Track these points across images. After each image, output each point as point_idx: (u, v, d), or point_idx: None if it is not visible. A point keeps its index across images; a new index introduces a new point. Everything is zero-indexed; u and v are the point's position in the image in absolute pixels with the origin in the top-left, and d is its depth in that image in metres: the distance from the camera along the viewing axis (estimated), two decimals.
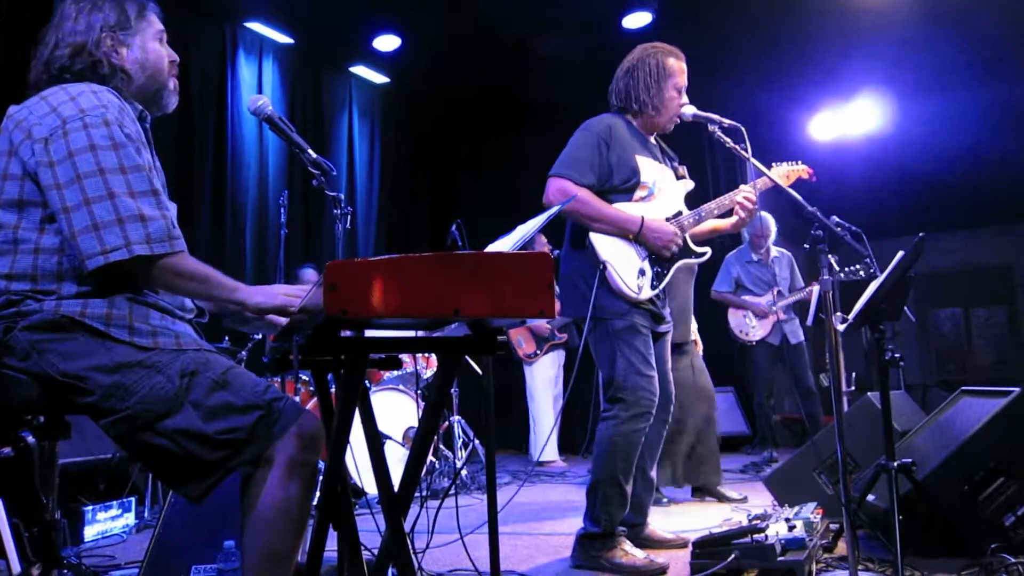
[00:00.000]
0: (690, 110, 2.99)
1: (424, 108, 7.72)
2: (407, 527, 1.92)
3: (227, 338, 4.50)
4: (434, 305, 1.45)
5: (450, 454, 5.00)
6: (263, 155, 6.03)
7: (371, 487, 4.05)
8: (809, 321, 5.11)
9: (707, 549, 2.52)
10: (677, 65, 3.00)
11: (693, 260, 3.02)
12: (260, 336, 4.57)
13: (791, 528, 2.53)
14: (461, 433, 5.15)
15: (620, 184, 2.91)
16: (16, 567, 2.19)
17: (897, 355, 2.46)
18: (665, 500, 4.06)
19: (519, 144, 7.61)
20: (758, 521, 2.60)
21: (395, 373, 4.76)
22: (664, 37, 3.28)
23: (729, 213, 3.05)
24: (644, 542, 2.98)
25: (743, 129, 2.83)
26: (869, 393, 3.44)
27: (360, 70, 6.95)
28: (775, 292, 5.57)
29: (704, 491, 4.16)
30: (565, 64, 6.51)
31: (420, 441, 1.90)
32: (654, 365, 2.86)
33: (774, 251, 5.64)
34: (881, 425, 2.48)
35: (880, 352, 2.46)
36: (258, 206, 5.92)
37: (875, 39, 6.13)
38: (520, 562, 2.92)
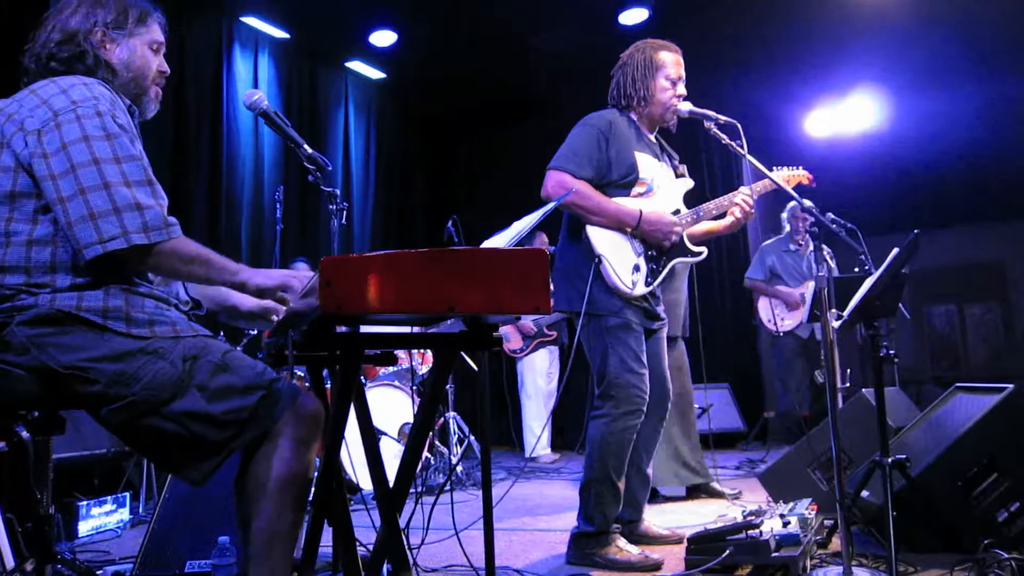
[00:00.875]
0: (686, 106, 2.98)
1: (420, 104, 7.71)
2: (402, 523, 1.92)
3: (222, 334, 4.49)
4: (429, 301, 1.45)
5: (445, 450, 5.00)
6: (259, 150, 6.01)
7: (366, 483, 4.06)
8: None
9: (702, 545, 2.52)
10: (669, 57, 3.00)
11: (689, 259, 3.02)
12: (255, 332, 4.56)
13: (786, 524, 2.54)
14: (456, 429, 5.15)
15: (618, 179, 2.91)
16: (10, 562, 2.18)
17: (892, 352, 2.47)
18: (660, 496, 4.07)
19: (515, 140, 7.61)
20: (753, 517, 2.61)
21: (390, 369, 4.76)
22: (661, 33, 3.28)
23: (726, 213, 3.05)
24: (639, 538, 2.99)
25: (739, 126, 2.83)
26: (863, 389, 3.45)
27: (356, 65, 6.93)
28: (808, 285, 5.52)
29: (699, 488, 4.16)
30: (562, 60, 6.50)
31: (415, 437, 1.90)
32: (646, 363, 2.86)
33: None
34: (875, 421, 2.48)
35: (875, 349, 2.47)
36: (254, 201, 5.91)
37: (871, 36, 6.13)
38: (515, 558, 2.92)
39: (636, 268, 2.87)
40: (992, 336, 9.49)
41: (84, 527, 3.50)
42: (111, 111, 1.64)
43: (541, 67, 6.74)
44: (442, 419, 5.11)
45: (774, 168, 3.22)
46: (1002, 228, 8.88)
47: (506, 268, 1.48)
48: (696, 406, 4.45)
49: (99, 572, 2.76)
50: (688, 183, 3.12)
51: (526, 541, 3.22)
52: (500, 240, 1.85)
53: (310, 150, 2.07)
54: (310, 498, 1.77)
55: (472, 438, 5.20)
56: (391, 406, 4.53)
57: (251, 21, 5.97)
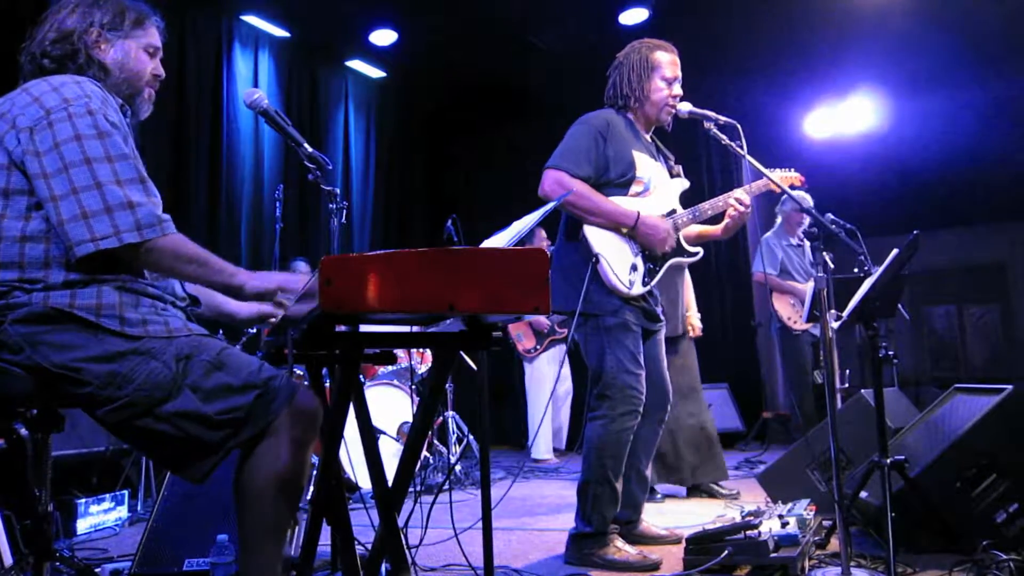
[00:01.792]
0: (686, 107, 2.98)
1: (420, 103, 7.71)
2: (401, 522, 1.92)
3: (221, 332, 4.49)
4: (429, 301, 1.45)
5: (444, 449, 5.00)
6: (259, 149, 6.01)
7: (365, 482, 4.06)
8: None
9: (700, 545, 2.52)
10: (665, 57, 3.00)
11: (685, 259, 3.02)
12: (255, 331, 4.56)
13: (784, 524, 2.54)
14: (455, 428, 5.15)
15: (616, 178, 2.90)
16: (8, 559, 2.19)
17: (891, 352, 2.47)
18: (659, 496, 4.07)
19: (516, 139, 7.60)
20: (751, 517, 2.61)
21: (390, 368, 4.76)
22: (660, 33, 3.28)
23: (722, 215, 3.05)
24: (638, 538, 2.98)
25: (739, 126, 2.83)
26: (863, 390, 3.45)
27: (356, 64, 6.93)
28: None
29: (698, 488, 4.17)
30: (562, 59, 6.50)
31: (414, 436, 1.90)
32: (643, 363, 2.86)
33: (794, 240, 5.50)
34: (874, 422, 2.48)
35: (874, 349, 2.47)
36: (253, 200, 5.91)
37: (870, 37, 6.13)
38: (514, 558, 2.92)
39: (634, 268, 2.87)
40: (991, 337, 9.50)
41: (83, 525, 3.49)
42: (103, 109, 1.65)
43: (541, 67, 6.74)
44: (441, 418, 5.11)
45: (768, 169, 3.22)
46: (1002, 229, 8.89)
47: (506, 268, 1.48)
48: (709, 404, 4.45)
49: (97, 570, 2.76)
50: (684, 183, 3.12)
51: (525, 541, 3.22)
52: (500, 240, 1.85)
53: (310, 149, 2.08)
54: (309, 497, 1.77)
55: (471, 437, 5.20)
56: (390, 405, 4.53)
57: (251, 20, 5.97)
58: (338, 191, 2.20)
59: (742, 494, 4.10)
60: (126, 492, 3.81)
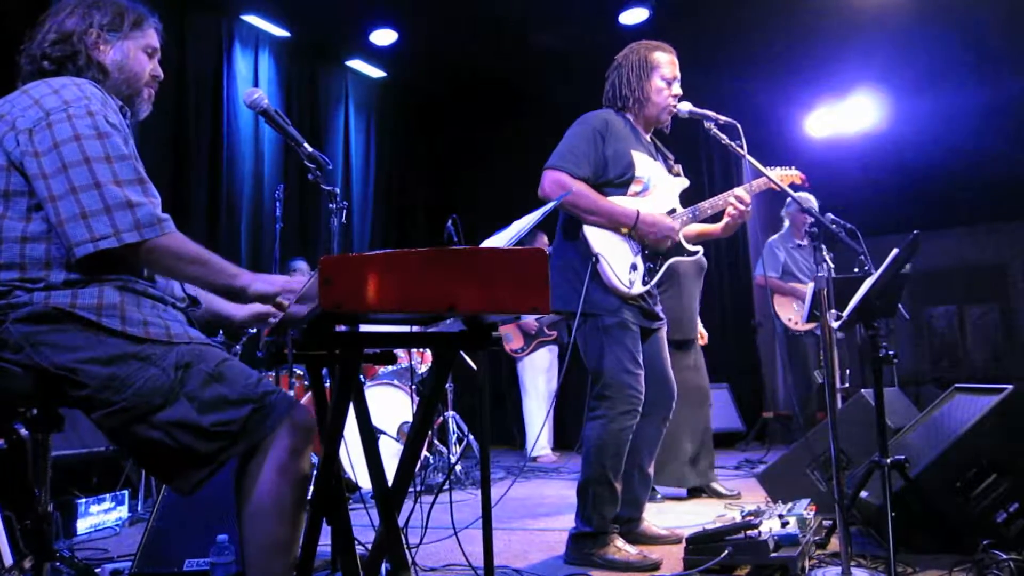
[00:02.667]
0: (686, 107, 2.98)
1: (421, 103, 7.71)
2: (401, 522, 1.92)
3: (221, 332, 4.49)
4: (429, 300, 1.45)
5: (444, 449, 5.00)
6: (259, 149, 6.01)
7: (365, 482, 4.06)
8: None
9: (701, 545, 2.52)
10: (664, 57, 3.00)
11: (685, 258, 3.02)
12: (255, 330, 4.56)
13: (784, 524, 2.54)
14: (455, 428, 5.15)
15: (615, 178, 2.90)
16: (8, 560, 2.19)
17: (891, 352, 2.47)
18: (659, 496, 4.07)
19: (515, 139, 7.59)
20: (752, 517, 2.61)
21: (390, 368, 4.76)
22: (660, 33, 3.28)
23: (722, 214, 3.05)
24: (638, 538, 2.99)
25: (739, 126, 2.83)
26: (863, 390, 3.45)
27: (357, 64, 6.93)
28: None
29: (699, 488, 4.17)
30: (562, 59, 6.50)
31: (414, 436, 1.90)
32: (641, 363, 2.86)
33: (806, 241, 5.49)
34: (874, 422, 2.48)
35: (874, 349, 2.47)
36: (253, 200, 5.91)
37: (871, 36, 6.13)
38: (514, 558, 2.92)
39: (633, 267, 2.87)
40: (991, 337, 9.50)
41: (83, 525, 3.50)
42: (103, 111, 1.64)
43: (541, 67, 6.74)
44: (441, 418, 5.12)
45: (768, 168, 3.22)
46: (1002, 229, 8.88)
47: (506, 268, 1.48)
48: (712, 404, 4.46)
49: (97, 570, 2.76)
50: (683, 182, 3.12)
51: (525, 541, 3.22)
52: (500, 239, 1.85)
53: (310, 149, 2.07)
54: (308, 497, 1.76)
55: (471, 437, 5.20)
56: (390, 405, 4.53)
57: (252, 20, 5.97)
58: (338, 191, 2.20)
59: (742, 494, 4.09)
60: (126, 492, 3.81)
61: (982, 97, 6.93)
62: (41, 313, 1.55)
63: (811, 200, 5.19)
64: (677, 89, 3.01)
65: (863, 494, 2.76)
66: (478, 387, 2.31)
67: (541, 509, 4.02)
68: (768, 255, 5.58)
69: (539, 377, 6.20)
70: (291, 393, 2.26)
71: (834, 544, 2.71)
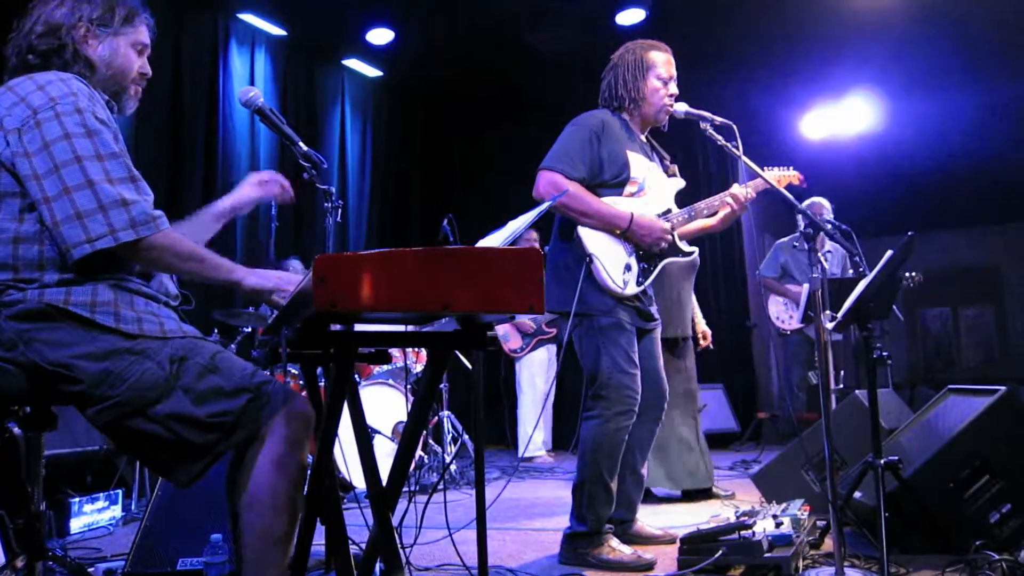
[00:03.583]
0: (682, 107, 2.98)
1: (417, 102, 7.71)
2: (395, 522, 1.92)
3: (216, 331, 4.48)
4: (424, 300, 1.45)
5: (439, 449, 5.00)
6: (254, 147, 6.00)
7: (359, 481, 4.05)
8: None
9: (695, 545, 2.53)
10: (660, 57, 2.99)
11: (681, 258, 3.02)
12: (249, 329, 4.55)
13: (778, 525, 2.54)
14: (450, 428, 5.14)
15: (610, 179, 2.90)
16: (0, 559, 2.18)
17: (885, 353, 2.47)
18: (654, 497, 4.07)
19: (511, 139, 7.61)
20: (746, 518, 2.61)
21: (384, 368, 4.75)
22: (657, 34, 3.28)
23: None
24: (632, 538, 2.99)
25: (735, 127, 2.83)
26: (857, 391, 3.46)
27: (353, 63, 6.92)
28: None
29: (693, 489, 4.17)
30: (559, 59, 6.50)
31: (409, 436, 1.90)
32: (637, 363, 2.86)
33: (828, 244, 5.49)
34: (868, 423, 2.49)
35: (868, 350, 2.47)
36: None
37: (866, 39, 6.15)
38: (508, 558, 2.92)
39: (627, 267, 2.87)
40: (985, 339, 9.53)
41: (76, 524, 3.48)
42: (90, 107, 1.63)
43: (538, 67, 6.75)
44: (436, 418, 5.11)
45: (766, 168, 3.22)
46: (996, 231, 8.93)
47: (501, 267, 1.48)
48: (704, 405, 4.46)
49: (91, 569, 2.75)
50: (679, 183, 3.12)
51: (519, 541, 3.22)
52: (495, 239, 1.85)
53: (305, 148, 2.07)
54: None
55: (466, 437, 5.20)
56: (385, 404, 4.52)
57: (248, 18, 5.96)
58: (333, 190, 2.20)
59: (737, 494, 4.10)
60: (120, 491, 3.80)
61: (977, 100, 6.96)
62: (35, 310, 1.55)
63: (824, 203, 5.20)
64: (673, 88, 3.00)
65: (857, 495, 2.76)
66: (473, 386, 2.31)
67: (536, 509, 4.02)
68: (770, 255, 5.62)
69: (538, 376, 6.16)
70: None
71: (828, 544, 2.71)
